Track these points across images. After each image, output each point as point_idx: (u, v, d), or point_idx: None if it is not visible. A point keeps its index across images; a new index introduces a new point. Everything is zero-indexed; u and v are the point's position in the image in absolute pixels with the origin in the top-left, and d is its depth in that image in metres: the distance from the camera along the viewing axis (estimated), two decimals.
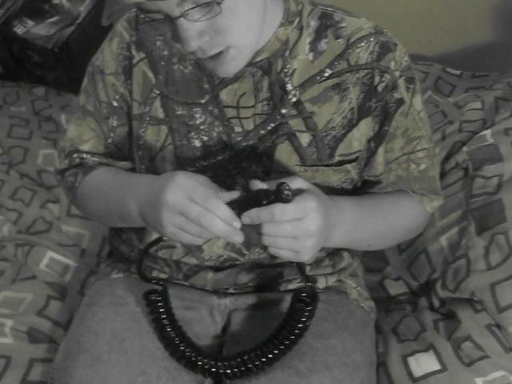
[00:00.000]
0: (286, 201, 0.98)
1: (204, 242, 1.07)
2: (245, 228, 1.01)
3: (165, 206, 1.01)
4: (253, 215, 0.99)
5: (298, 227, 0.99)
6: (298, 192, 1.01)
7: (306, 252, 1.02)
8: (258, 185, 1.01)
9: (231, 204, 1.00)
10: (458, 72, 2.06)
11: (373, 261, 1.56)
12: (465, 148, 1.60)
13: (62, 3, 2.38)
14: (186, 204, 0.99)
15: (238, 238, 1.01)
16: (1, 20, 2.35)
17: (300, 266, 1.13)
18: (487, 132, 1.59)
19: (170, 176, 1.04)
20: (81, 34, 2.36)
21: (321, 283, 1.28)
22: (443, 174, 1.61)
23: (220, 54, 1.05)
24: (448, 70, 2.07)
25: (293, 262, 1.13)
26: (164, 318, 1.17)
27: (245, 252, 1.24)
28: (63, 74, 2.41)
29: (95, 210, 1.31)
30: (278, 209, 0.97)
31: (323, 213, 1.01)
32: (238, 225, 1.00)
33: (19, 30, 2.34)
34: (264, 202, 0.99)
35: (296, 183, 1.02)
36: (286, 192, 0.98)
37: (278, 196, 0.98)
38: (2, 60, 2.53)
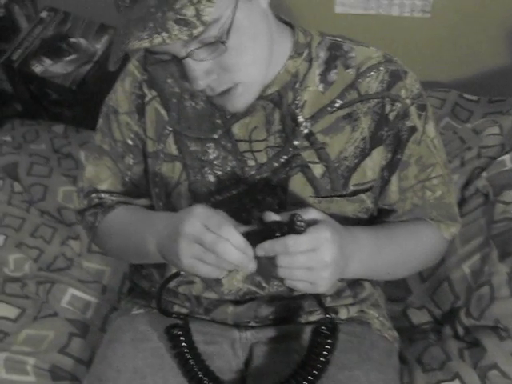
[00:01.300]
0: (300, 232, 0.98)
1: (223, 277, 1.07)
2: (262, 261, 1.01)
3: (182, 236, 1.01)
4: (266, 247, 0.99)
5: (313, 258, 0.98)
6: (312, 223, 1.01)
7: (323, 283, 1.01)
8: (271, 217, 1.01)
9: (246, 236, 1.00)
10: (475, 98, 2.05)
11: (395, 290, 1.55)
12: (484, 174, 1.59)
13: (79, 42, 2.41)
14: (202, 232, 0.99)
15: (252, 267, 1.01)
16: (19, 59, 2.38)
17: (318, 298, 1.12)
18: (506, 157, 1.58)
19: (188, 209, 1.05)
20: (98, 71, 2.38)
21: (342, 314, 1.27)
22: (463, 201, 1.60)
23: (228, 90, 1.06)
24: (465, 95, 2.06)
25: (311, 294, 1.12)
26: (187, 352, 1.16)
27: (264, 285, 1.23)
28: (81, 112, 2.43)
29: (115, 248, 1.32)
30: (292, 240, 0.97)
31: (338, 243, 1.01)
32: (250, 253, 0.99)
33: (37, 68, 2.36)
34: (277, 234, 0.98)
35: (310, 214, 1.02)
36: (298, 223, 0.98)
37: (292, 227, 0.98)
38: (21, 99, 2.56)
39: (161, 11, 0.92)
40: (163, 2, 0.93)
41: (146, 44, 0.92)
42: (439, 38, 2.26)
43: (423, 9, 2.22)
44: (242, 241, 0.99)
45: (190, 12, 0.91)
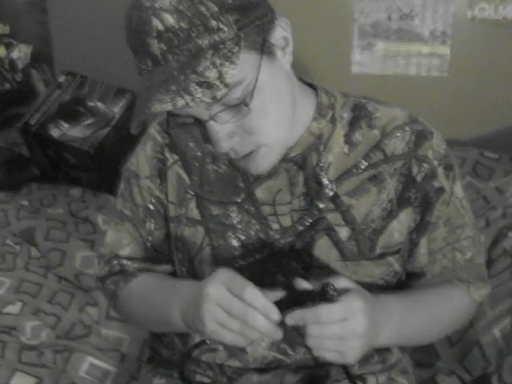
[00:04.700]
0: (332, 301, 0.96)
1: (247, 344, 1.04)
2: (288, 328, 0.98)
3: (205, 300, 0.99)
4: (297, 316, 0.97)
5: (345, 328, 0.96)
6: (343, 291, 0.98)
7: (353, 353, 0.99)
8: (302, 284, 1.00)
9: (275, 304, 0.97)
10: (496, 156, 2.04)
11: (422, 355, 1.51)
12: (510, 234, 1.56)
13: (96, 105, 2.43)
14: (227, 296, 0.97)
15: (278, 336, 0.98)
16: (37, 124, 2.40)
17: (345, 368, 1.09)
18: None
19: (212, 272, 1.03)
20: (116, 135, 2.40)
21: (371, 382, 1.23)
22: (490, 262, 1.58)
23: (251, 152, 1.05)
24: (485, 154, 2.05)
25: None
26: None
27: (290, 352, 1.20)
28: (99, 175, 2.44)
29: (137, 316, 1.30)
30: (324, 310, 0.95)
31: (369, 312, 0.99)
32: (276, 317, 0.96)
33: (55, 132, 2.38)
34: (309, 303, 0.96)
35: (341, 282, 1.00)
36: (331, 292, 0.96)
37: (323, 296, 0.96)
38: (38, 163, 2.57)
39: (183, 74, 0.92)
40: (186, 65, 0.93)
41: (168, 107, 0.92)
42: (457, 96, 2.26)
43: (440, 68, 2.22)
44: (266, 303, 0.96)
45: (212, 74, 0.92)
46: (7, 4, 2.75)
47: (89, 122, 2.40)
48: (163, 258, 1.29)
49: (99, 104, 2.43)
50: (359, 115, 1.17)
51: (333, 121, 1.16)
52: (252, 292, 0.96)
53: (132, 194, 1.27)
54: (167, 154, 1.22)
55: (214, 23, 0.94)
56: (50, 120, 2.41)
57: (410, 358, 1.36)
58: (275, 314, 0.97)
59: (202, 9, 0.93)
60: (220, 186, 1.19)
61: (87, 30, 2.59)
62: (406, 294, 1.18)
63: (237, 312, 0.96)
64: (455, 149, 2.06)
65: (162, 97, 0.92)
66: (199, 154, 1.21)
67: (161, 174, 1.23)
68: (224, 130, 1.01)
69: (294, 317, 0.96)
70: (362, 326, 0.97)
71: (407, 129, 1.15)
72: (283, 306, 0.98)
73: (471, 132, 2.28)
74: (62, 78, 2.49)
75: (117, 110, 2.42)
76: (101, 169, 2.42)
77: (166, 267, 1.29)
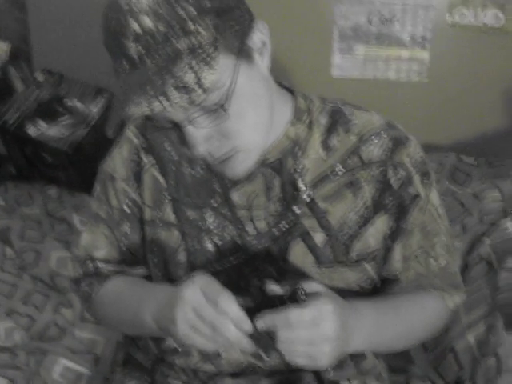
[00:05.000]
0: (302, 305, 0.95)
1: (218, 350, 1.03)
2: (261, 333, 0.98)
3: (180, 302, 0.99)
4: (267, 321, 0.96)
5: (315, 331, 0.95)
6: (314, 296, 0.98)
7: (323, 358, 0.98)
8: (273, 289, 0.99)
9: (245, 309, 0.97)
10: (473, 161, 2.05)
11: (397, 360, 1.51)
12: (487, 240, 1.58)
13: (74, 105, 2.40)
14: (201, 301, 0.97)
15: (248, 348, 0.98)
16: (15, 123, 2.38)
17: (317, 373, 1.09)
18: (509, 223, 1.57)
19: (190, 277, 1.02)
20: (94, 134, 2.37)
21: None
22: (466, 268, 1.58)
23: (229, 156, 1.05)
24: (463, 159, 2.06)
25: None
26: None
27: (264, 357, 1.18)
28: (76, 175, 2.42)
29: (111, 318, 1.29)
30: (294, 313, 0.95)
31: (340, 316, 0.98)
32: (247, 328, 0.96)
33: (32, 131, 2.36)
34: (279, 307, 0.96)
35: (311, 286, 0.99)
36: (301, 296, 0.96)
37: (293, 300, 0.96)
38: (15, 161, 2.55)
39: (161, 78, 0.91)
40: (163, 68, 0.92)
41: (146, 111, 0.91)
42: (436, 101, 2.27)
43: (420, 73, 2.23)
44: (239, 313, 0.96)
45: (190, 78, 0.91)
46: None
47: (67, 121, 2.38)
48: (138, 261, 1.28)
49: (78, 103, 2.41)
50: (336, 120, 1.17)
51: (310, 125, 1.16)
52: (226, 300, 0.96)
53: (108, 197, 1.26)
54: (143, 157, 1.22)
55: (192, 26, 0.93)
56: (27, 119, 2.39)
57: (384, 364, 1.37)
58: (247, 325, 0.96)
59: (181, 12, 0.92)
60: (196, 190, 1.18)
61: (66, 29, 2.56)
62: (379, 300, 1.17)
63: (209, 318, 0.96)
64: (434, 153, 2.08)
65: (139, 100, 0.91)
66: (176, 157, 1.20)
67: (137, 176, 1.22)
68: (201, 134, 1.00)
69: (265, 321, 0.96)
70: (333, 330, 0.96)
71: (384, 135, 1.15)
72: (256, 310, 0.97)
73: (450, 137, 2.29)
74: (40, 77, 2.47)
75: (95, 109, 2.40)
76: (78, 168, 2.40)
77: (141, 270, 1.28)
